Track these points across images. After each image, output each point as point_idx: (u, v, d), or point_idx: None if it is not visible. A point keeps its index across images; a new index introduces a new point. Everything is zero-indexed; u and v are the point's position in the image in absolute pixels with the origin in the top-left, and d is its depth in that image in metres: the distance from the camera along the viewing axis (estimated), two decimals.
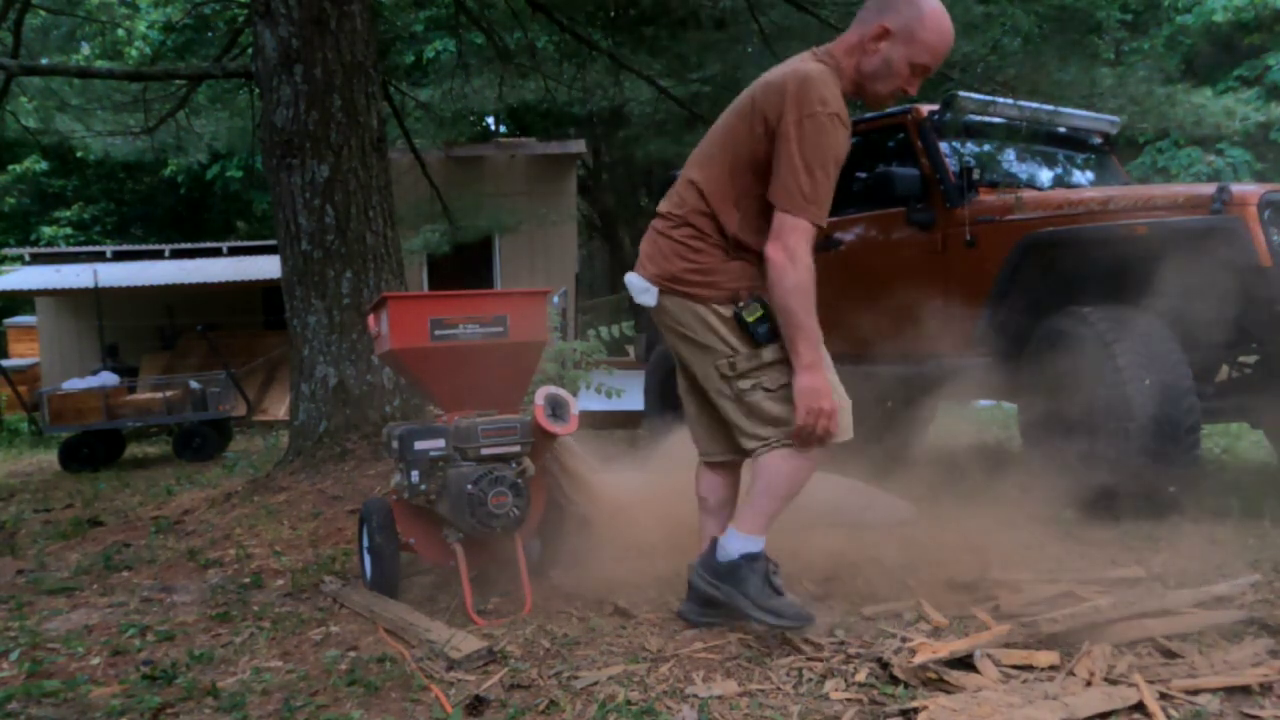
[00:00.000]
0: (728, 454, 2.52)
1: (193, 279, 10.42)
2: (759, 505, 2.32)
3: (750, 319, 2.28)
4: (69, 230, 16.73)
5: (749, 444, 2.34)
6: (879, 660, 2.17)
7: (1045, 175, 4.97)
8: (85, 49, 14.21)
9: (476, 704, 2.09)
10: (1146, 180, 12.60)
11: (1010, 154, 4.91)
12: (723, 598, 2.33)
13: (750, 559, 2.31)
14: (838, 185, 5.55)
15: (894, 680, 2.08)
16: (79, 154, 13.44)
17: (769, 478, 2.31)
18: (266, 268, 10.14)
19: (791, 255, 2.20)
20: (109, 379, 7.98)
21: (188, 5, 10.76)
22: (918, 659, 2.11)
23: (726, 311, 2.31)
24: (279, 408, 9.84)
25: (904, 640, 2.29)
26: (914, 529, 3.45)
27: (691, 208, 2.36)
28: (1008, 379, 4.11)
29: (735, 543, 2.34)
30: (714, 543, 2.39)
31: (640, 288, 2.39)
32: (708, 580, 2.37)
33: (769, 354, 2.30)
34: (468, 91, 8.91)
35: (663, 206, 2.45)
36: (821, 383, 2.24)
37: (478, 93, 9.03)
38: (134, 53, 13.49)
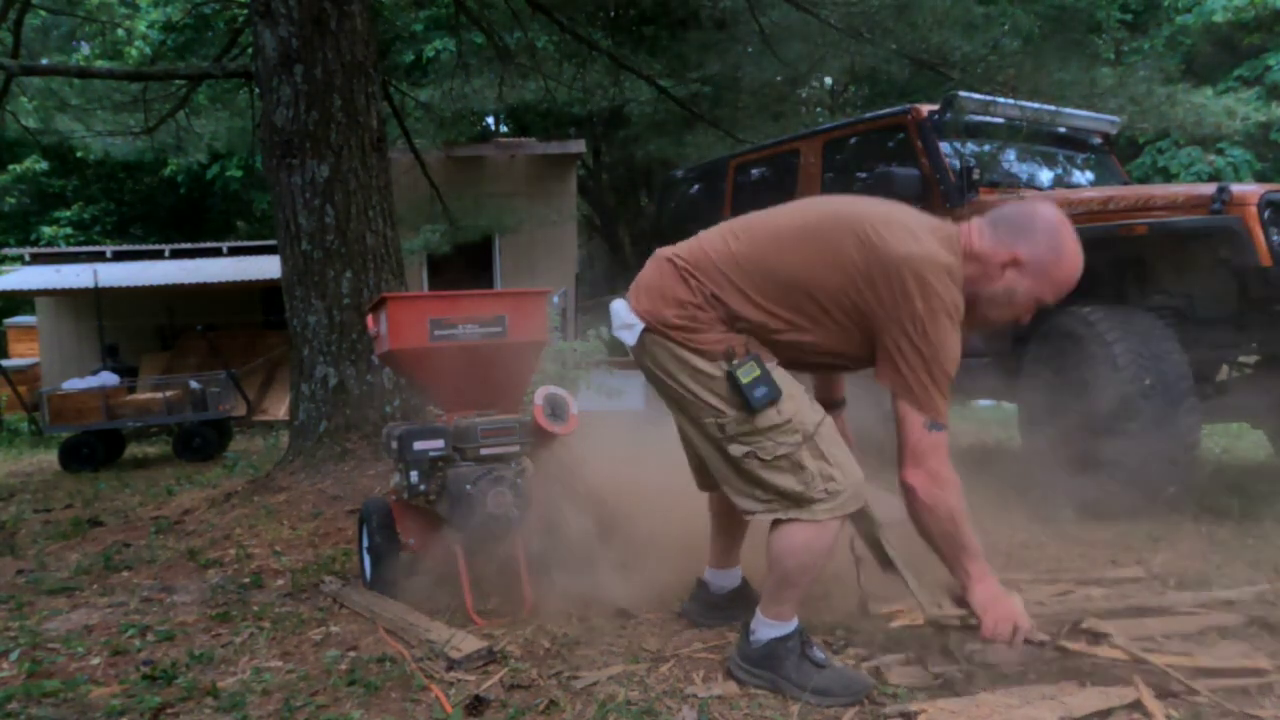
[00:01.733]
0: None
1: (193, 279, 10.41)
2: (779, 593, 2.10)
3: (746, 380, 1.99)
4: (69, 230, 16.72)
5: (743, 503, 2.10)
6: (874, 667, 2.17)
7: (1045, 175, 4.97)
8: (85, 49, 14.22)
9: (476, 704, 2.09)
10: (1146, 180, 12.60)
11: (1010, 154, 4.91)
12: (766, 685, 2.11)
13: (781, 641, 2.11)
14: (836, 185, 5.56)
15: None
16: (79, 154, 13.45)
17: (781, 562, 2.07)
18: (266, 268, 10.13)
19: (940, 481, 1.96)
20: (109, 379, 7.97)
21: (188, 5, 10.76)
22: (907, 660, 2.12)
23: (718, 371, 2.03)
24: (279, 408, 9.84)
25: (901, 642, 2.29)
26: (914, 529, 3.44)
27: (712, 294, 2.07)
28: (1008, 379, 4.11)
29: (764, 629, 2.13)
30: (745, 626, 2.19)
31: (622, 320, 2.13)
32: (744, 669, 2.14)
33: (764, 420, 2.01)
34: (468, 91, 8.92)
35: (686, 254, 2.16)
36: (997, 589, 2.04)
37: (478, 93, 9.04)
38: (134, 53, 13.49)
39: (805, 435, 2.02)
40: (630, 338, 2.12)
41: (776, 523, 2.06)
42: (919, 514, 1.99)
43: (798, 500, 2.02)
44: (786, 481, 2.01)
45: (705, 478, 2.37)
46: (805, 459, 2.01)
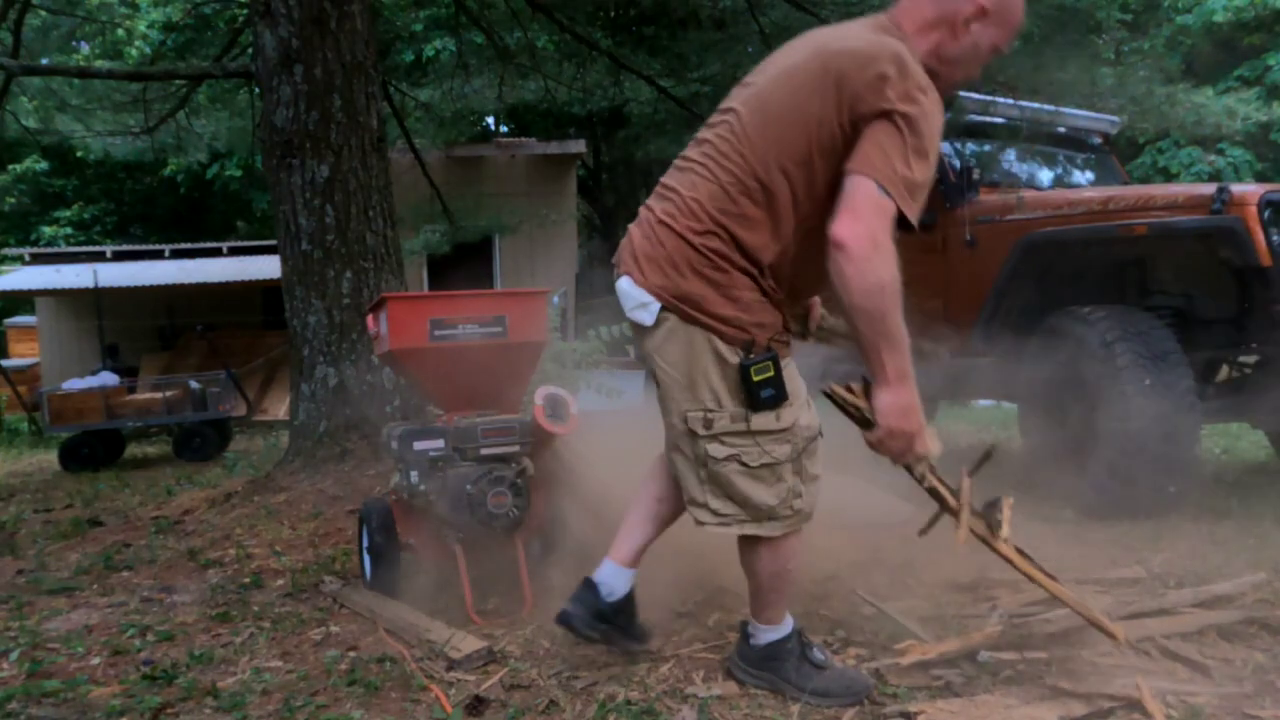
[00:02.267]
0: None
1: (193, 279, 10.41)
2: (764, 600, 2.05)
3: (758, 378, 1.82)
4: (69, 230, 16.73)
5: (699, 515, 1.94)
6: (874, 667, 2.17)
7: (1045, 175, 4.97)
8: (85, 49, 14.22)
9: (476, 704, 2.09)
10: (1147, 180, 12.61)
11: (1010, 154, 4.91)
12: (766, 686, 2.08)
13: (780, 643, 2.06)
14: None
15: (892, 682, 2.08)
16: (79, 154, 13.46)
17: (755, 575, 2.01)
18: (266, 268, 10.13)
19: (876, 241, 1.69)
20: (109, 379, 7.98)
21: (188, 5, 10.76)
22: (907, 660, 2.11)
23: (733, 358, 1.84)
24: (279, 408, 9.84)
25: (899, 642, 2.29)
26: (914, 529, 3.44)
27: (736, 212, 1.83)
28: (1008, 379, 4.11)
29: (761, 634, 2.09)
30: (744, 627, 2.13)
31: (637, 299, 1.88)
32: (744, 670, 2.11)
33: (760, 422, 1.85)
34: (468, 91, 8.92)
35: (677, 185, 1.92)
36: (911, 399, 1.81)
37: (478, 93, 9.04)
38: (134, 53, 13.48)
39: (796, 449, 1.90)
40: (648, 317, 1.88)
41: (744, 536, 1.96)
42: (844, 277, 1.70)
43: (762, 515, 1.90)
44: (760, 493, 1.88)
45: None
46: (787, 473, 1.90)
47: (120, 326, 10.80)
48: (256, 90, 6.00)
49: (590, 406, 5.26)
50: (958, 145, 4.62)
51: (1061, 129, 5.01)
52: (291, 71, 4.94)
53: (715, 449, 1.87)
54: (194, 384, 8.07)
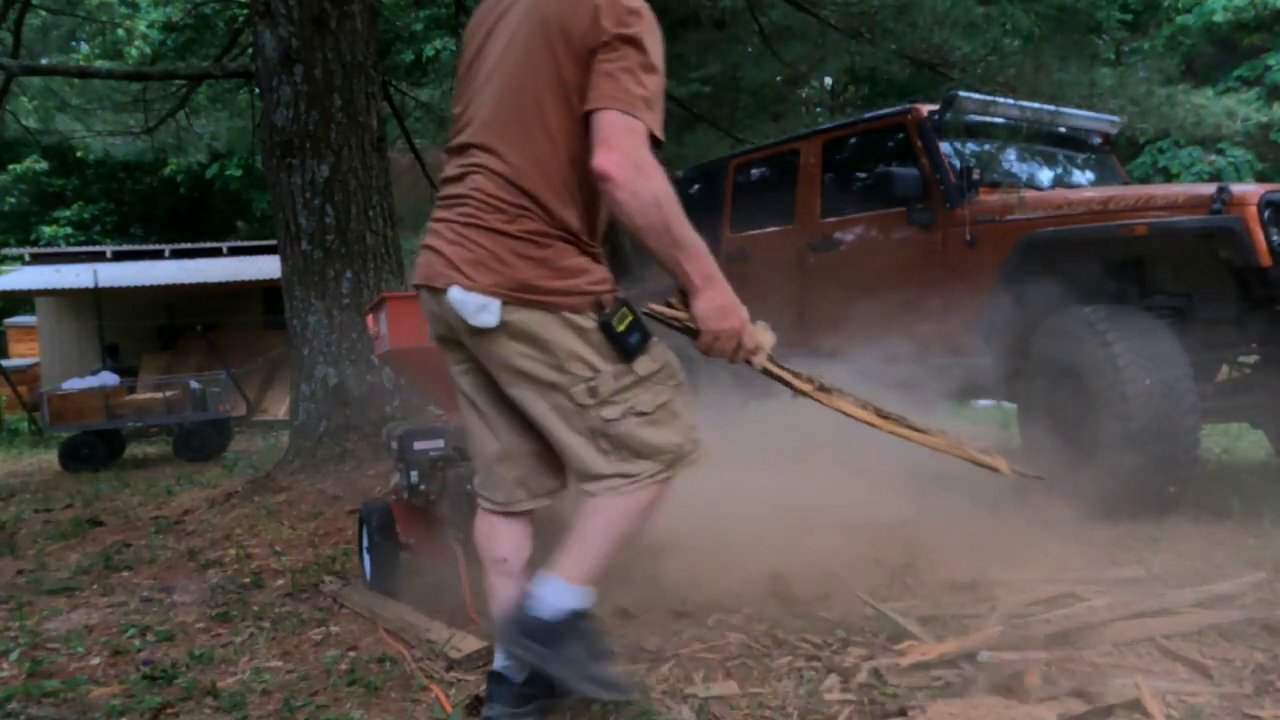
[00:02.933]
0: (542, 496, 2.01)
1: (193, 279, 10.42)
2: (595, 547, 1.84)
3: (620, 327, 1.80)
4: (69, 230, 16.74)
5: (607, 484, 1.82)
6: (874, 667, 2.17)
7: (1045, 175, 4.97)
8: (84, 49, 14.22)
9: (476, 704, 2.09)
10: (1147, 180, 12.61)
11: (1010, 154, 4.91)
12: (534, 660, 1.82)
13: (580, 616, 1.84)
14: (836, 185, 5.55)
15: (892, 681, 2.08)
16: (79, 154, 13.47)
17: (611, 514, 1.84)
18: (266, 268, 10.14)
19: (637, 163, 1.69)
20: (109, 379, 7.98)
21: (188, 5, 10.76)
22: (907, 660, 2.11)
23: (589, 323, 1.79)
24: (279, 408, 9.84)
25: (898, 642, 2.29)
26: (914, 529, 3.45)
27: (519, 191, 1.80)
28: (1008, 379, 4.11)
29: (562, 596, 1.82)
30: (522, 602, 1.86)
31: (474, 304, 1.78)
32: (522, 642, 1.82)
33: (643, 367, 1.82)
34: None
35: (468, 191, 1.84)
36: (724, 299, 1.80)
37: None
38: (134, 53, 13.49)
39: (677, 380, 1.88)
40: (491, 318, 1.78)
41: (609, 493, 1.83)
42: (619, 204, 1.70)
43: (674, 459, 1.84)
44: (665, 437, 1.83)
45: (525, 482, 1.99)
46: (680, 407, 1.87)
47: (120, 326, 10.80)
48: (256, 90, 6.00)
49: None
50: (958, 145, 4.62)
51: (1061, 129, 5.01)
52: (291, 71, 4.95)
53: (609, 411, 1.81)
54: (194, 384, 8.07)
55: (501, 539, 2.01)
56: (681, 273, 1.78)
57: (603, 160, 1.69)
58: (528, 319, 1.79)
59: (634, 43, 1.74)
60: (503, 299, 1.78)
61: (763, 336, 1.91)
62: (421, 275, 1.90)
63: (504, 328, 1.79)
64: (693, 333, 1.85)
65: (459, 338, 1.89)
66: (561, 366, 1.80)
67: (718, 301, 1.80)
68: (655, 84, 1.76)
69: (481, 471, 2.02)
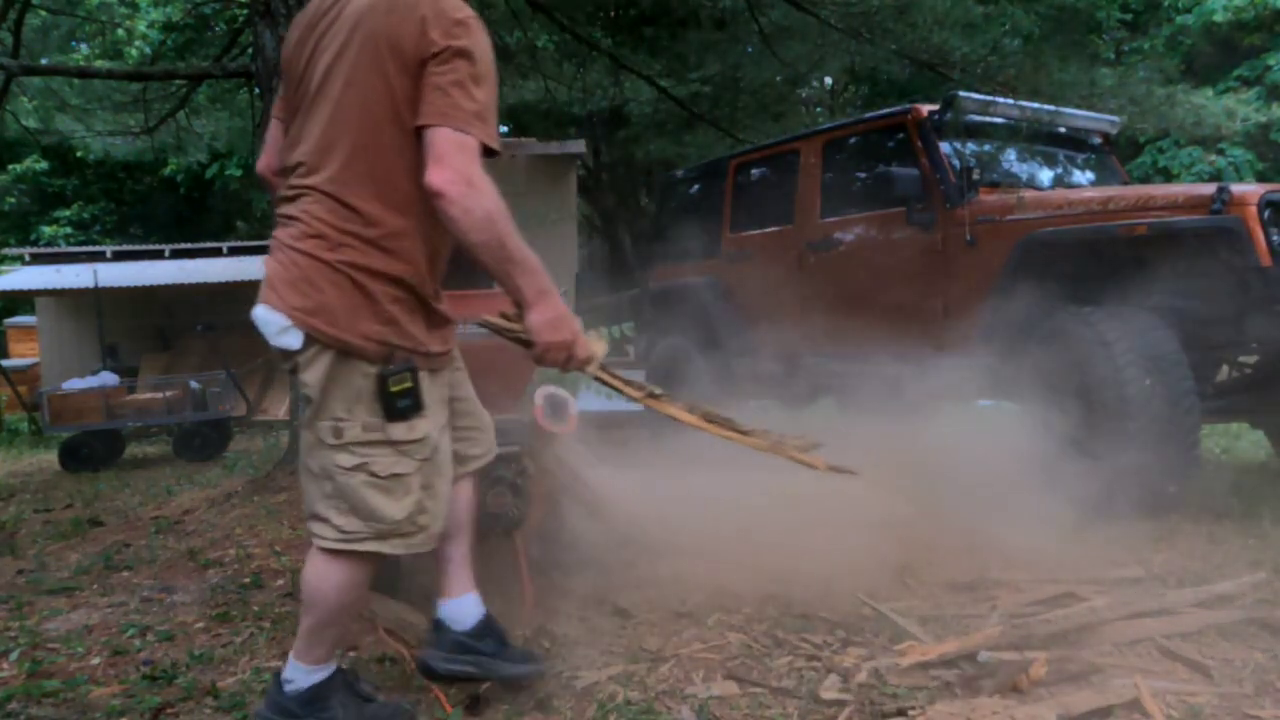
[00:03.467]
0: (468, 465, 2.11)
1: (193, 279, 10.41)
2: (316, 633, 1.87)
3: (395, 388, 1.78)
4: (69, 230, 16.73)
5: (321, 530, 1.81)
6: (874, 667, 2.17)
7: (1045, 175, 4.97)
8: (84, 49, 14.22)
9: (476, 704, 2.09)
10: (1147, 180, 12.61)
11: (1010, 154, 4.91)
12: None
13: (326, 683, 1.90)
14: (836, 185, 5.56)
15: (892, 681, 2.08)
16: (79, 154, 13.46)
17: (328, 600, 1.84)
18: None
19: (469, 179, 1.71)
20: (109, 379, 7.98)
21: (188, 5, 10.75)
22: (907, 660, 2.11)
23: (371, 368, 1.79)
24: (279, 408, 9.84)
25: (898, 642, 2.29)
26: (914, 529, 3.45)
27: (348, 213, 1.79)
28: (1008, 379, 4.11)
29: (301, 675, 1.89)
30: (276, 678, 1.92)
31: (277, 324, 1.78)
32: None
33: (397, 432, 1.80)
34: None
35: (297, 213, 1.84)
36: (556, 312, 1.84)
37: None
38: (134, 53, 13.49)
39: (425, 462, 1.85)
40: (294, 341, 1.78)
41: (330, 555, 1.83)
42: (453, 220, 1.72)
43: (387, 531, 1.82)
44: (387, 506, 1.80)
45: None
46: (415, 486, 1.83)
47: (120, 326, 10.79)
48: (256, 90, 6.00)
49: (590, 406, 5.27)
50: (958, 145, 4.62)
51: (1061, 129, 5.01)
52: None
53: (343, 458, 1.79)
54: (194, 384, 8.07)
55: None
56: (514, 287, 1.82)
57: (435, 177, 1.70)
58: (319, 350, 1.78)
59: (465, 55, 1.73)
60: (304, 327, 1.77)
61: (595, 346, 1.96)
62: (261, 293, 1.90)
63: (304, 350, 1.79)
64: (526, 344, 1.90)
65: None
66: (325, 398, 1.79)
67: (550, 315, 1.84)
68: (486, 96, 1.76)
69: None
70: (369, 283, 1.78)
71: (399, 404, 1.79)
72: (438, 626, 2.12)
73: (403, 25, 1.74)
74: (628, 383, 2.11)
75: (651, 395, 2.17)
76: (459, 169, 1.71)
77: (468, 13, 1.77)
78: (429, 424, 1.85)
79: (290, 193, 1.87)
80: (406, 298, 1.83)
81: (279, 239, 1.86)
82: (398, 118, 1.76)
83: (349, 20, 1.80)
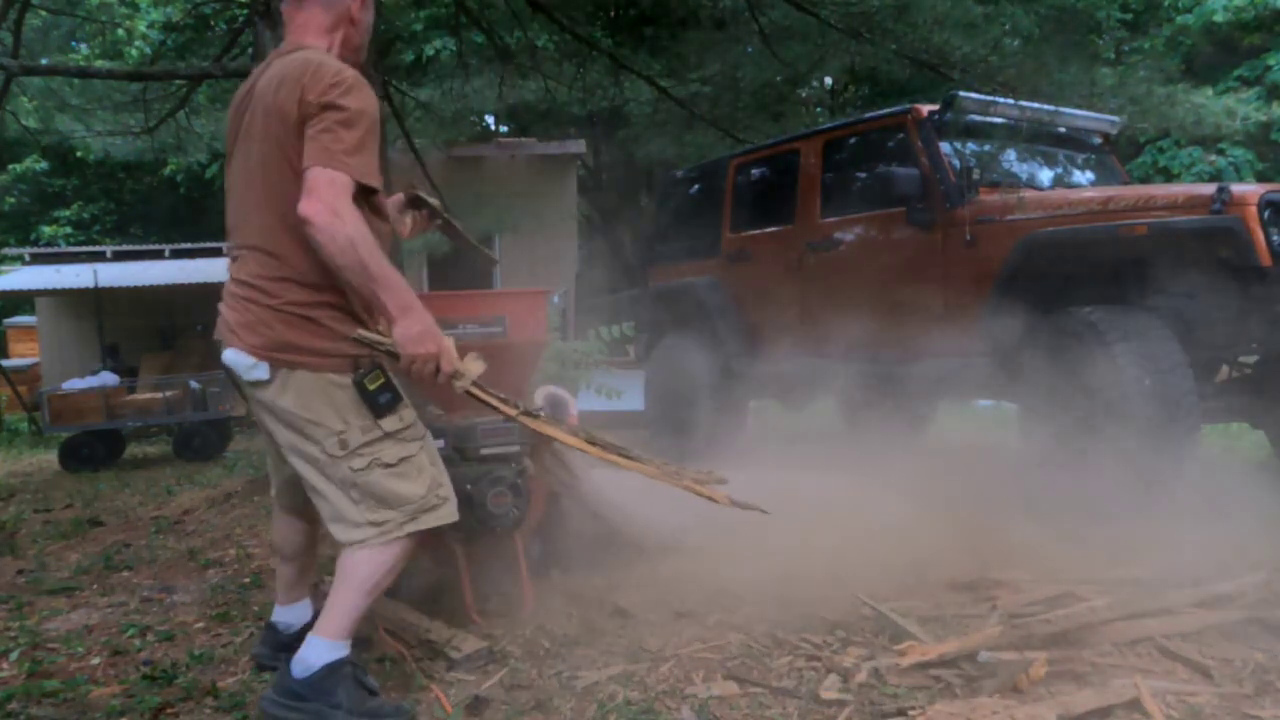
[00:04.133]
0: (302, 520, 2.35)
1: (193, 279, 10.40)
2: (349, 603, 2.03)
3: (372, 386, 2.01)
4: (69, 230, 16.73)
5: (361, 533, 2.02)
6: (874, 667, 2.17)
7: (1045, 175, 4.97)
8: (84, 49, 14.22)
9: (476, 704, 2.09)
10: (1147, 180, 12.61)
11: (1010, 154, 4.91)
12: (311, 717, 1.98)
13: (336, 667, 2.01)
14: (836, 185, 5.55)
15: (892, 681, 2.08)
16: (79, 154, 13.46)
17: (364, 570, 2.03)
18: None
19: (335, 210, 1.89)
20: (109, 379, 7.97)
21: (188, 5, 10.75)
22: (907, 660, 2.11)
23: (345, 380, 2.01)
24: None
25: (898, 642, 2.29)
26: (914, 529, 3.45)
27: (278, 266, 2.03)
28: (1008, 379, 4.11)
29: (319, 652, 2.01)
30: (286, 664, 2.05)
31: (246, 363, 2.01)
32: (286, 704, 2.00)
33: (389, 424, 2.04)
34: (468, 91, 8.90)
35: (240, 274, 2.08)
36: (423, 325, 1.98)
37: (478, 93, 9.02)
38: (134, 53, 13.49)
39: (422, 439, 2.10)
40: (263, 373, 2.01)
41: (355, 545, 2.02)
42: (320, 245, 1.91)
43: (417, 509, 2.04)
44: (408, 488, 2.03)
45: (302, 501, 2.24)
46: (425, 464, 2.08)
47: (120, 326, 10.79)
48: None
49: (590, 406, 5.28)
50: (958, 145, 4.62)
51: (1061, 129, 5.01)
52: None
53: (356, 462, 2.01)
54: (194, 384, 8.06)
55: (280, 526, 2.41)
56: (379, 304, 1.96)
57: (304, 207, 1.90)
58: (290, 378, 2.01)
59: (333, 107, 1.96)
60: (270, 361, 2.01)
61: (471, 366, 2.10)
62: (216, 332, 2.14)
63: (273, 383, 2.02)
64: (395, 356, 2.02)
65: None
66: (318, 421, 2.01)
67: (414, 329, 1.98)
68: (356, 137, 1.96)
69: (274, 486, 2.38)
70: (311, 312, 2.02)
71: (381, 399, 2.02)
72: (269, 626, 2.41)
73: (289, 96, 1.98)
74: (504, 400, 2.21)
75: (527, 414, 2.28)
76: (325, 200, 1.90)
77: (345, 76, 2.00)
78: (410, 412, 2.09)
79: (234, 252, 2.13)
80: (345, 317, 2.05)
81: (230, 288, 2.11)
82: (296, 174, 1.97)
83: (256, 99, 2.08)
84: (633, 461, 2.34)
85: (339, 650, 2.03)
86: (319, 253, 1.93)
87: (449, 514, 2.10)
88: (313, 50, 2.09)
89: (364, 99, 2.01)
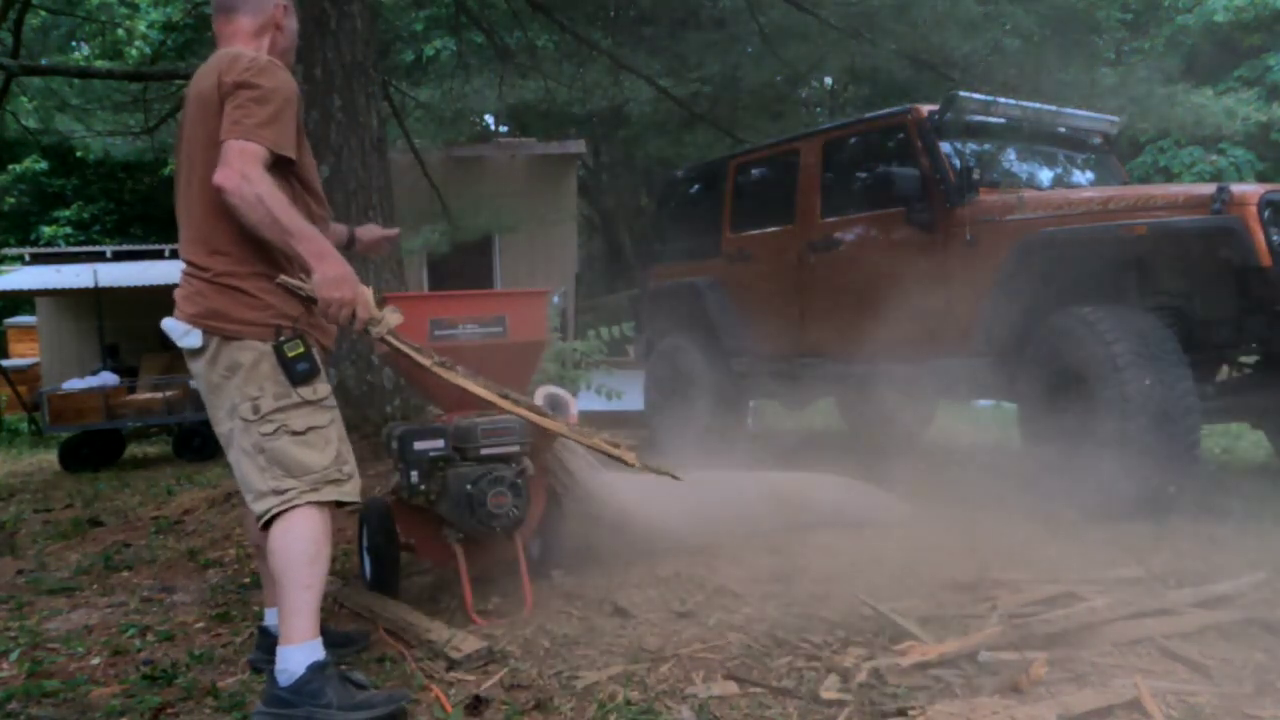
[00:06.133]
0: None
1: None
2: (295, 602, 2.05)
3: (291, 354, 2.11)
4: (69, 230, 16.72)
5: (264, 504, 2.08)
6: (874, 667, 2.17)
7: (1045, 175, 4.97)
8: (85, 49, 14.21)
9: (476, 704, 2.09)
10: (1147, 180, 12.61)
11: (1010, 154, 4.91)
12: None
13: (318, 668, 2.03)
14: (836, 185, 5.54)
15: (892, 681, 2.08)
16: (79, 154, 13.44)
17: (291, 560, 2.05)
18: None
19: (243, 174, 2.01)
20: (109, 379, 7.97)
21: (188, 5, 10.75)
22: (907, 660, 2.11)
23: (265, 346, 2.12)
24: None
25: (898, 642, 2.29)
26: (914, 529, 3.45)
27: (212, 244, 2.15)
28: (1008, 379, 4.11)
29: (295, 657, 2.02)
30: (271, 674, 2.07)
31: (180, 329, 2.16)
32: (274, 713, 2.01)
33: (304, 393, 2.13)
34: (468, 91, 8.91)
35: (185, 255, 2.22)
36: (339, 271, 2.07)
37: (478, 93, 9.03)
38: (134, 53, 13.48)
39: (333, 417, 2.19)
40: (195, 340, 2.14)
41: (278, 518, 2.08)
42: (235, 209, 2.03)
43: (319, 479, 2.11)
44: (312, 458, 2.11)
45: None
46: (333, 437, 2.17)
47: (120, 326, 10.79)
48: None
49: (590, 406, 5.28)
50: (958, 145, 4.62)
51: (1062, 129, 5.01)
52: (291, 71, 4.94)
53: (265, 428, 2.10)
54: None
55: (251, 525, 2.34)
56: (296, 254, 2.07)
57: (217, 177, 2.02)
58: (220, 345, 2.13)
59: (245, 85, 2.09)
60: (203, 328, 2.14)
61: (390, 317, 2.20)
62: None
63: (203, 350, 2.15)
64: (314, 300, 2.11)
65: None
66: (241, 385, 2.12)
67: (330, 274, 2.06)
68: (269, 111, 2.08)
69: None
70: (241, 283, 2.13)
71: (298, 367, 2.12)
72: (262, 631, 2.42)
73: (209, 83, 2.14)
74: (418, 350, 2.32)
75: (442, 365, 2.37)
76: (236, 168, 2.01)
77: (259, 60, 2.15)
78: (326, 387, 2.20)
79: (182, 240, 2.24)
80: (276, 289, 2.14)
81: (182, 273, 2.24)
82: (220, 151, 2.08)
83: (189, 95, 2.24)
84: (543, 419, 2.49)
85: (315, 651, 2.04)
86: (236, 216, 2.04)
87: (352, 492, 2.17)
88: (237, 50, 2.23)
89: (277, 78, 2.14)
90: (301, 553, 2.06)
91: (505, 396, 2.47)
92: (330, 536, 2.15)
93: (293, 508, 2.07)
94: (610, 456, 2.46)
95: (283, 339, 2.12)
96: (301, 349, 2.13)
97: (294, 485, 2.09)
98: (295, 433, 2.10)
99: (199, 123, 2.15)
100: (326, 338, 2.29)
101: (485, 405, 2.89)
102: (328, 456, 2.13)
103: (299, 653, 2.03)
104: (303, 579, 2.05)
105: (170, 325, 2.18)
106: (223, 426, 2.17)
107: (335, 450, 2.15)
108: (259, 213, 2.01)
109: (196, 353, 2.15)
